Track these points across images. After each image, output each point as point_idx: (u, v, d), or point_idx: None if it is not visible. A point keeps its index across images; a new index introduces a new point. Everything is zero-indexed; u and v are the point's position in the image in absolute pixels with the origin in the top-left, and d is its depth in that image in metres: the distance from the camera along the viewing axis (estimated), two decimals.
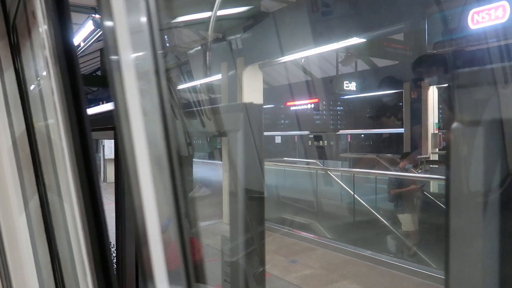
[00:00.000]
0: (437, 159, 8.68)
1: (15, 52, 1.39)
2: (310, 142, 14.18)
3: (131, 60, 0.55)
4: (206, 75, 7.41)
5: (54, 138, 1.36)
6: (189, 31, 8.11)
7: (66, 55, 0.65)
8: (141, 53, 0.55)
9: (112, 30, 0.53)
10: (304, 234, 6.19)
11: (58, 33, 0.65)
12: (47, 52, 0.69)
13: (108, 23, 0.54)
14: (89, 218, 0.64)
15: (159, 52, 0.53)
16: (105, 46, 0.56)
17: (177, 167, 0.54)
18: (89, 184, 0.64)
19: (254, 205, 1.42)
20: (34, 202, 1.37)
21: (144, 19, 0.53)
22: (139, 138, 0.54)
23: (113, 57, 0.54)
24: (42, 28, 0.71)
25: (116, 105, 0.54)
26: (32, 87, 1.44)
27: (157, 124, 0.54)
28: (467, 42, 3.86)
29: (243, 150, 1.35)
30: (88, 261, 0.64)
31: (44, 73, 1.53)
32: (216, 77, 7.76)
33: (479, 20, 3.92)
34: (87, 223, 0.64)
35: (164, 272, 0.56)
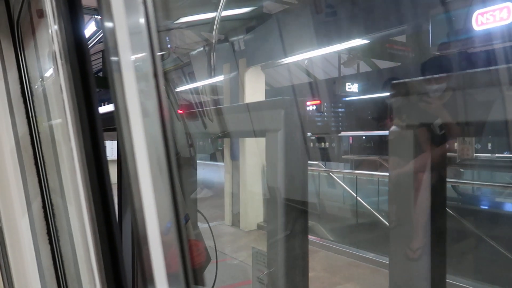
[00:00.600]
0: None
1: (19, 51, 1.37)
2: (312, 143, 14.15)
3: (131, 61, 0.55)
4: (210, 76, 7.40)
5: (59, 138, 1.33)
6: (191, 32, 8.11)
7: (77, 53, 0.63)
8: (140, 55, 0.55)
9: (112, 31, 0.53)
10: None
11: (69, 29, 0.63)
12: (56, 49, 0.67)
13: (108, 24, 0.53)
14: (100, 221, 0.62)
15: (158, 53, 0.53)
16: (105, 47, 0.55)
17: (176, 168, 0.53)
18: (100, 187, 0.62)
19: (298, 213, 1.23)
20: (37, 203, 1.35)
21: (143, 20, 0.52)
22: (139, 139, 0.53)
23: (114, 58, 0.53)
24: (51, 24, 0.70)
25: (116, 106, 0.53)
26: (36, 86, 1.42)
27: (157, 125, 0.53)
28: (471, 43, 3.83)
29: (284, 152, 1.19)
30: (98, 265, 0.62)
31: (48, 74, 1.51)
32: (217, 78, 7.75)
33: (483, 21, 3.90)
34: (97, 226, 0.62)
35: (164, 274, 0.54)
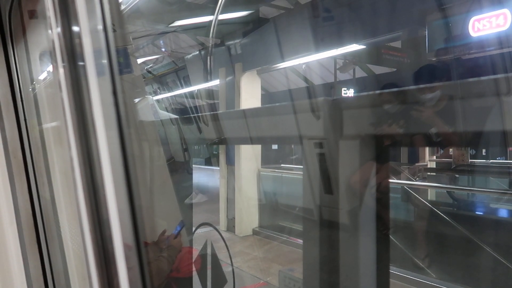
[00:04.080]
0: (434, 166, 8.68)
1: (9, 52, 1.32)
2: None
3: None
4: (207, 81, 7.38)
5: (50, 143, 1.28)
6: (187, 36, 8.08)
7: (78, 54, 0.61)
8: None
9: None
10: (302, 242, 6.10)
11: (67, 30, 0.61)
12: (57, 51, 0.65)
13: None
14: (96, 227, 0.59)
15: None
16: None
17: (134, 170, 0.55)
18: (100, 190, 0.59)
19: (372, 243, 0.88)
20: (26, 211, 1.30)
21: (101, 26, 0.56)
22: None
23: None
24: (52, 25, 0.67)
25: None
26: (27, 89, 1.37)
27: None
28: (468, 49, 3.84)
29: (331, 163, 0.96)
30: (97, 274, 0.59)
31: (40, 76, 1.46)
32: (213, 82, 7.71)
33: (480, 27, 3.91)
34: (94, 233, 0.59)
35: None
